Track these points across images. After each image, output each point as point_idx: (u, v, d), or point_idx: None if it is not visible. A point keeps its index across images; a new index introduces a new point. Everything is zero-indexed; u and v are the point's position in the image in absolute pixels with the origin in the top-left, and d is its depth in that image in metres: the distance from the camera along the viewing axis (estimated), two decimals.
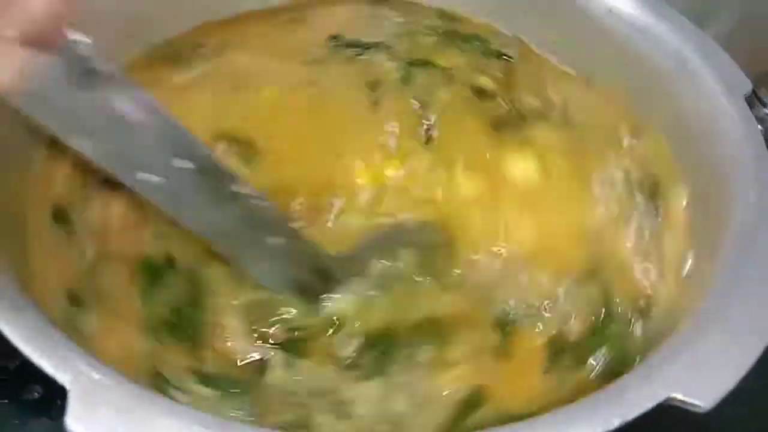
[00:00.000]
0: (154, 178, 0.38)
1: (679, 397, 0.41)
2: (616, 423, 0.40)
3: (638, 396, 0.41)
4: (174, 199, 0.40)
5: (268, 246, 0.46)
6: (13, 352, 0.40)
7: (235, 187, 0.42)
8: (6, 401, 0.59)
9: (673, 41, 0.65)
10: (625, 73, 0.69)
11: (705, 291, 0.51)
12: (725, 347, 0.44)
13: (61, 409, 0.36)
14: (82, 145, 0.37)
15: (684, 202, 0.62)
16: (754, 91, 0.63)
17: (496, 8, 0.74)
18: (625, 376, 0.43)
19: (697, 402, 0.41)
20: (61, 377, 0.38)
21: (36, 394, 0.59)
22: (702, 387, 0.42)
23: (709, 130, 0.60)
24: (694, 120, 0.62)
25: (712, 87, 0.62)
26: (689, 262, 0.58)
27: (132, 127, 0.37)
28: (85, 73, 0.34)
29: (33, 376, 0.39)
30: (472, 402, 0.48)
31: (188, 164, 0.38)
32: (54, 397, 0.57)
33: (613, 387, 0.42)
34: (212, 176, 0.40)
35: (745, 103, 0.60)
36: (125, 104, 0.36)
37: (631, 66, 0.68)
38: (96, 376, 0.38)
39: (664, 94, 0.66)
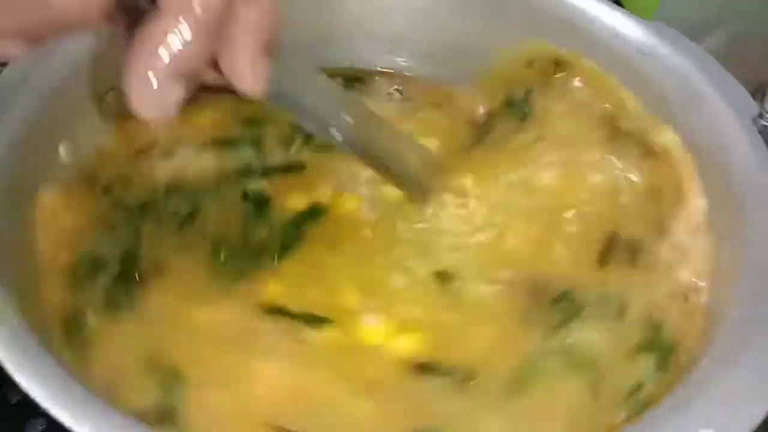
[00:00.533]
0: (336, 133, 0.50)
1: None
2: None
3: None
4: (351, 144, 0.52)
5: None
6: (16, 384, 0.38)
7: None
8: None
9: (680, 64, 0.65)
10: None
11: (724, 320, 0.50)
12: (753, 379, 0.43)
13: None
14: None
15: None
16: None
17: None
18: (655, 411, 0.43)
19: None
20: (79, 429, 0.37)
21: (40, 427, 0.57)
22: (733, 421, 0.41)
23: (721, 157, 0.60)
24: (705, 146, 0.62)
25: (722, 110, 0.61)
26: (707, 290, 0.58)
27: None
28: None
29: (36, 408, 0.38)
30: None
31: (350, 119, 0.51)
32: (58, 430, 0.57)
33: (643, 424, 0.42)
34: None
35: (754, 127, 0.60)
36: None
37: (637, 90, 0.68)
38: (117, 428, 0.37)
39: (671, 119, 0.65)
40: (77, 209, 0.55)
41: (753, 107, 0.61)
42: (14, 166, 0.54)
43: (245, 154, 0.61)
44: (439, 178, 0.59)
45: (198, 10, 0.35)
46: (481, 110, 0.71)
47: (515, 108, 0.69)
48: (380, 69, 0.75)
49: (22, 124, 0.56)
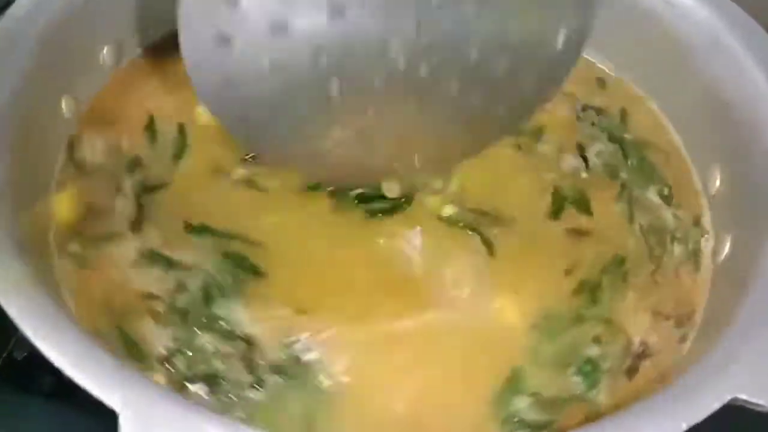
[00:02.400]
0: None
1: (744, 397, 0.41)
2: (684, 427, 0.39)
3: (704, 398, 0.40)
4: None
5: None
6: (22, 340, 0.37)
7: None
8: (20, 393, 0.57)
9: (706, 17, 0.63)
10: (654, 52, 0.67)
11: (747, 282, 0.50)
12: None
13: (77, 400, 0.34)
14: None
15: (717, 184, 0.61)
16: None
17: None
18: (686, 377, 0.42)
19: (762, 402, 0.41)
20: (110, 399, 0.35)
21: (50, 384, 0.57)
22: (765, 386, 0.41)
23: (748, 116, 0.58)
24: (730, 103, 0.60)
25: (750, 68, 0.59)
26: (727, 247, 0.58)
27: None
28: None
29: (46, 365, 0.37)
30: None
31: None
32: (68, 387, 0.57)
33: (676, 389, 0.41)
34: None
35: None
36: None
37: (661, 44, 0.66)
38: (147, 396, 0.36)
39: (696, 75, 0.63)
40: None
41: None
42: (20, 116, 0.52)
43: None
44: None
45: None
46: None
47: None
48: None
49: (22, 75, 0.54)
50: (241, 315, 0.51)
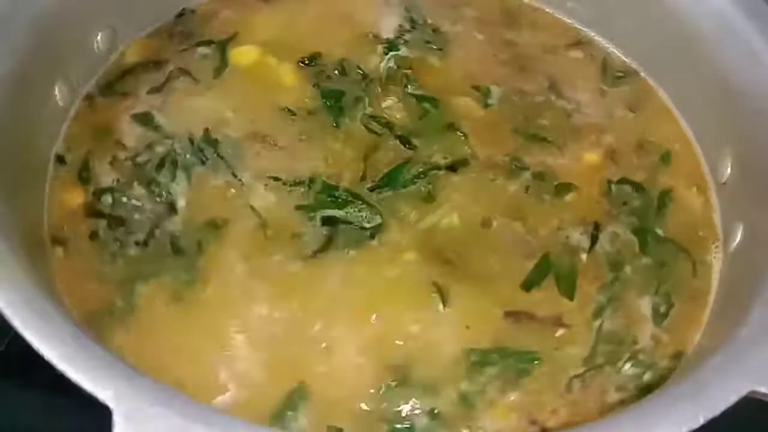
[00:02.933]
0: None
1: (763, 390, 0.39)
2: (702, 420, 0.38)
3: (721, 391, 0.39)
4: None
5: None
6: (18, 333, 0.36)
7: None
8: (19, 385, 0.56)
9: (718, 3, 0.61)
10: (664, 38, 0.65)
11: (760, 273, 0.48)
12: None
13: (76, 392, 0.33)
14: None
15: (728, 171, 0.60)
16: None
17: None
18: (702, 369, 0.41)
19: None
20: (102, 394, 0.34)
21: (50, 376, 0.54)
22: None
23: (761, 101, 0.57)
24: (742, 89, 0.58)
25: (762, 52, 0.58)
26: (739, 235, 0.56)
27: None
28: None
29: (41, 358, 0.35)
30: None
31: None
32: (65, 381, 0.55)
33: (692, 382, 0.40)
34: None
35: None
36: None
37: (671, 31, 0.64)
38: (140, 391, 0.34)
39: (708, 61, 0.62)
40: None
41: None
42: (12, 104, 0.51)
43: None
44: None
45: None
46: None
47: None
48: None
49: (14, 61, 0.52)
50: (178, 188, 0.57)
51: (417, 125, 0.62)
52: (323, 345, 0.50)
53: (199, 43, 0.66)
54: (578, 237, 0.57)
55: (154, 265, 0.53)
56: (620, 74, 0.69)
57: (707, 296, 0.55)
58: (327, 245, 0.54)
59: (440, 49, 0.68)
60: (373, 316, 0.51)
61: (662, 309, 0.55)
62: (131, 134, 0.60)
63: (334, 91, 0.63)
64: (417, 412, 0.48)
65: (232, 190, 0.57)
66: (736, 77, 0.59)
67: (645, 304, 0.55)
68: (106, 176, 0.57)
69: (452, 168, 0.60)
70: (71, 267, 0.52)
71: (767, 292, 0.45)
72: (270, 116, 0.61)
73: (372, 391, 0.49)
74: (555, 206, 0.59)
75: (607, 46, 0.70)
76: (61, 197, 0.56)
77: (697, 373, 0.41)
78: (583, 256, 0.56)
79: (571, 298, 0.54)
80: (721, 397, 0.39)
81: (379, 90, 0.64)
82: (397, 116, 0.63)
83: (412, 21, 0.70)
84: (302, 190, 0.57)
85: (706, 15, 0.62)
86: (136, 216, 0.55)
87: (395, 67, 0.66)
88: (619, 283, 0.55)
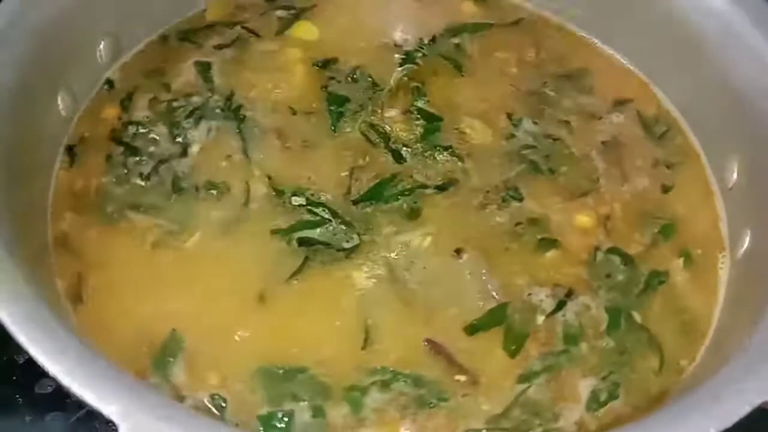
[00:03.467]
0: None
1: None
2: None
3: (733, 402, 0.38)
4: None
5: None
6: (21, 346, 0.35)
7: None
8: (18, 396, 0.56)
9: (718, 5, 0.60)
10: (665, 43, 0.65)
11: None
12: None
13: (74, 405, 0.32)
14: None
15: (734, 176, 0.59)
16: None
17: None
18: (713, 381, 0.40)
19: None
20: (107, 410, 0.33)
21: (49, 388, 0.56)
22: None
23: (764, 106, 0.56)
24: (746, 92, 0.58)
25: (765, 55, 0.57)
26: (747, 241, 0.56)
27: None
28: None
29: (44, 370, 0.35)
30: None
31: None
32: (66, 392, 0.55)
33: (703, 393, 0.39)
34: None
35: None
36: None
37: (672, 35, 0.64)
38: (146, 407, 0.34)
39: (710, 65, 0.61)
40: None
41: None
42: (15, 113, 0.51)
43: None
44: None
45: None
46: None
47: None
48: None
49: (16, 71, 0.52)
50: (197, 136, 0.61)
51: (414, 140, 0.62)
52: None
53: (279, 7, 0.70)
54: (543, 298, 0.54)
55: (150, 199, 0.57)
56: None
57: (664, 398, 0.50)
58: (302, 266, 0.53)
59: (459, 68, 0.68)
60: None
61: (602, 397, 0.50)
62: (180, 80, 0.65)
63: (340, 97, 0.64)
64: (302, 404, 0.48)
65: (238, 158, 0.59)
66: (741, 83, 0.59)
67: (585, 386, 0.51)
68: (141, 111, 0.62)
69: (441, 188, 0.59)
70: (74, 177, 0.57)
71: None
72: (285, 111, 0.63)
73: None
74: (532, 258, 0.56)
75: (612, 52, 0.70)
76: (100, 110, 0.61)
77: (709, 383, 0.40)
78: (540, 318, 0.53)
79: (512, 356, 0.51)
80: (732, 408, 0.38)
81: (385, 100, 0.64)
82: (396, 128, 0.63)
83: (434, 36, 0.70)
84: (284, 201, 0.57)
85: (709, 21, 0.61)
86: (151, 149, 0.60)
87: (406, 78, 0.65)
88: (566, 357, 0.52)
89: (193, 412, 0.36)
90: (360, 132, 0.62)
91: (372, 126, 0.62)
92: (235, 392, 0.48)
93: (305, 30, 0.69)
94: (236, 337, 0.50)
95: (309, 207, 0.57)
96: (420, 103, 0.64)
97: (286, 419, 0.47)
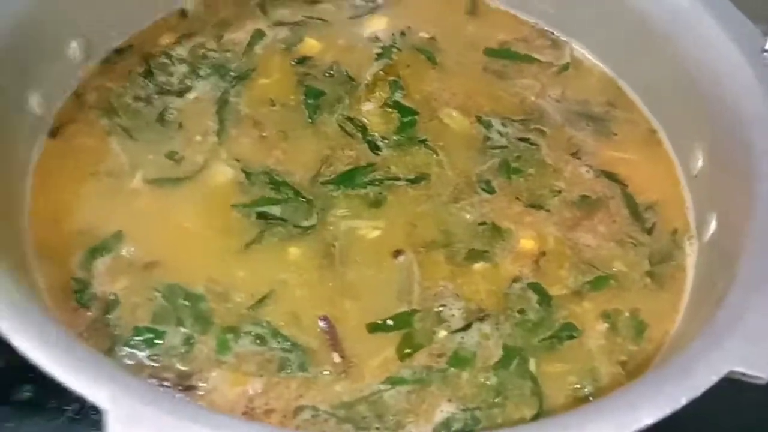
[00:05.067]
0: None
1: (742, 370, 0.40)
2: (683, 401, 0.39)
3: (702, 372, 0.40)
4: None
5: None
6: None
7: None
8: None
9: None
10: (626, 37, 0.67)
11: (734, 259, 0.50)
12: None
13: (55, 410, 0.33)
14: None
15: (699, 163, 0.61)
16: None
17: None
18: (682, 352, 0.42)
19: (759, 374, 0.40)
20: (95, 396, 0.34)
21: (28, 393, 0.55)
22: (762, 359, 0.41)
23: (726, 91, 0.58)
24: (706, 81, 0.60)
25: (722, 43, 0.59)
26: (713, 226, 0.58)
27: None
28: None
29: (22, 375, 0.35)
30: None
31: None
32: (46, 397, 0.55)
33: (673, 365, 0.41)
34: None
35: (761, 60, 0.58)
36: None
37: (632, 29, 0.66)
38: (135, 392, 0.34)
39: (670, 57, 0.63)
40: None
41: (761, 39, 0.58)
42: None
43: None
44: None
45: None
46: None
47: None
48: None
49: None
50: (198, 87, 0.65)
51: (390, 133, 0.63)
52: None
53: None
54: (455, 313, 0.53)
55: (134, 123, 0.61)
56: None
57: None
58: (259, 238, 0.55)
59: (433, 60, 0.69)
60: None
61: (453, 426, 0.49)
62: (231, 38, 0.69)
63: (316, 90, 0.65)
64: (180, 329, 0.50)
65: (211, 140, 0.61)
66: (699, 69, 0.61)
67: (444, 410, 0.49)
68: (181, 50, 0.67)
69: (413, 181, 0.60)
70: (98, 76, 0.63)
71: (741, 277, 0.47)
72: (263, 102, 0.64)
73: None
74: (459, 268, 0.55)
75: (577, 47, 0.72)
76: (160, 34, 0.68)
77: (679, 356, 0.42)
78: (442, 334, 0.52)
79: (401, 359, 0.51)
80: (702, 378, 0.40)
81: (363, 93, 0.65)
82: (373, 121, 0.64)
83: (407, 28, 0.71)
84: (248, 182, 0.58)
85: (667, 12, 0.64)
86: (162, 79, 0.65)
87: (383, 72, 0.66)
88: (441, 377, 0.51)
89: (181, 398, 0.36)
90: (337, 124, 0.63)
91: (349, 119, 0.63)
92: (132, 301, 0.51)
93: (311, 46, 0.69)
94: (159, 258, 0.53)
95: (271, 185, 0.58)
96: (397, 96, 0.65)
97: (151, 336, 0.49)
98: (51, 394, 0.55)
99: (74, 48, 0.62)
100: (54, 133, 0.60)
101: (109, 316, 0.50)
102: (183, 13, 0.71)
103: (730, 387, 0.40)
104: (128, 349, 0.49)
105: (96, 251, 0.53)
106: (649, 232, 0.60)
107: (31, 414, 0.55)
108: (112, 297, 0.51)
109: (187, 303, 0.51)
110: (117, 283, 0.52)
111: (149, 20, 0.69)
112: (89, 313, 0.50)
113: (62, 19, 0.60)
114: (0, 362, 0.55)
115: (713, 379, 0.40)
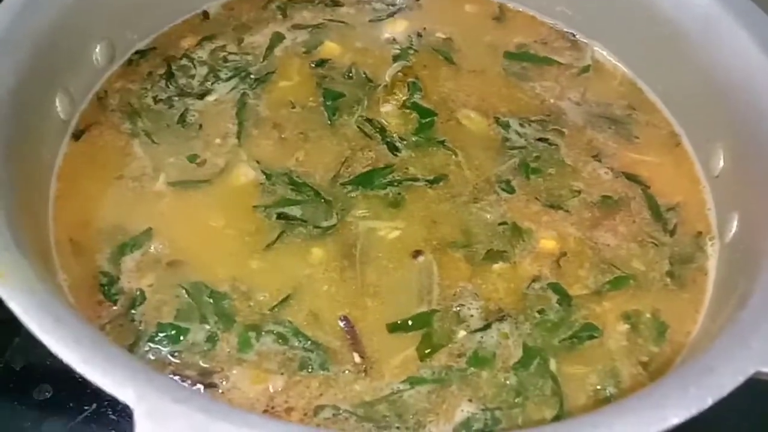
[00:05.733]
0: None
1: (767, 370, 0.40)
2: (710, 402, 0.38)
3: (727, 373, 0.40)
4: None
5: None
6: (19, 349, 0.36)
7: None
8: (16, 403, 0.56)
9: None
10: (647, 37, 0.66)
11: (757, 259, 0.49)
12: None
13: (73, 410, 0.33)
14: None
15: (721, 164, 0.61)
16: None
17: None
18: (708, 353, 0.42)
19: None
20: (123, 394, 0.34)
21: (47, 394, 0.56)
22: None
23: (748, 91, 0.58)
24: (729, 81, 0.60)
25: (745, 44, 0.59)
26: (734, 225, 0.57)
27: None
28: None
29: (42, 375, 0.36)
30: None
31: None
32: (65, 397, 0.56)
33: (699, 365, 0.41)
34: None
35: None
36: None
37: (653, 29, 0.65)
38: (160, 390, 0.34)
39: (692, 57, 0.63)
40: None
41: None
42: (15, 117, 0.52)
43: None
44: None
45: None
46: None
47: None
48: None
49: (15, 73, 0.53)
50: (219, 89, 0.66)
51: (409, 134, 0.63)
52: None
53: None
54: (473, 313, 0.53)
55: (155, 126, 0.61)
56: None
57: None
58: (280, 239, 0.56)
59: (450, 60, 0.69)
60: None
61: (474, 426, 0.49)
62: (251, 41, 0.70)
63: (335, 92, 0.65)
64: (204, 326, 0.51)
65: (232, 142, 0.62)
66: (722, 69, 0.61)
67: (464, 410, 0.49)
68: (202, 52, 0.68)
69: (432, 182, 0.60)
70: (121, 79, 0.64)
71: (765, 276, 0.46)
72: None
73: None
74: (478, 268, 0.55)
75: (597, 49, 0.72)
76: (182, 36, 0.69)
77: (703, 356, 0.41)
78: (461, 334, 0.52)
79: (422, 359, 0.50)
80: (727, 379, 0.39)
81: (382, 95, 0.65)
82: (392, 122, 0.64)
83: (423, 29, 0.72)
84: (269, 183, 0.59)
85: (695, 17, 0.63)
86: (182, 81, 0.65)
87: (401, 74, 0.67)
88: (461, 376, 0.50)
89: (208, 396, 0.36)
90: (356, 126, 0.63)
91: (368, 120, 0.64)
92: (157, 298, 0.52)
93: (331, 49, 0.70)
94: (184, 257, 0.54)
95: (292, 186, 0.58)
96: (416, 98, 0.66)
97: (174, 332, 0.50)
98: (69, 395, 0.55)
99: (98, 51, 0.63)
100: (78, 135, 0.61)
101: (134, 312, 0.51)
102: (205, 16, 0.72)
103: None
104: (152, 345, 0.50)
105: (126, 247, 0.55)
106: (672, 233, 0.59)
107: (49, 414, 0.56)
108: (138, 293, 0.52)
109: (211, 301, 0.52)
110: (144, 280, 0.53)
111: (172, 22, 0.70)
112: (114, 308, 0.51)
113: (88, 24, 0.61)
114: (19, 363, 0.57)
115: (739, 379, 0.39)
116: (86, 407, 0.56)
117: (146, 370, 0.36)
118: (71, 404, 0.55)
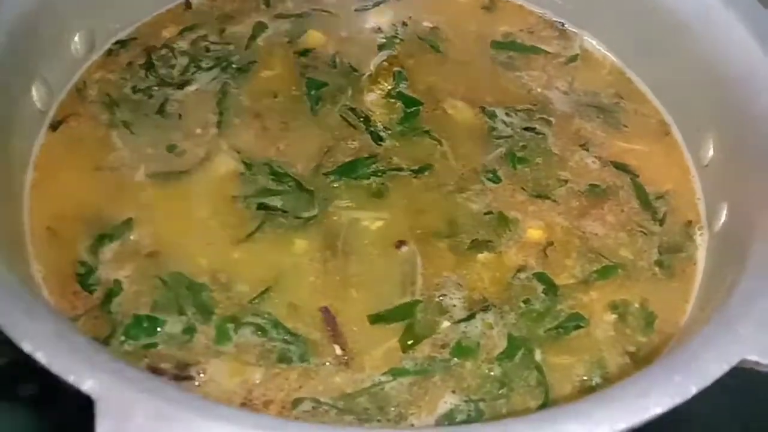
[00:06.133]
0: None
1: (754, 359, 0.39)
2: (694, 390, 0.37)
3: (712, 361, 0.39)
4: None
5: None
6: (2, 347, 0.35)
7: None
8: (1, 400, 0.56)
9: None
10: (641, 26, 0.65)
11: (746, 248, 0.48)
12: None
13: (58, 407, 0.33)
14: None
15: (710, 153, 0.60)
16: None
17: None
18: (693, 341, 0.41)
19: None
20: (84, 385, 0.33)
21: (31, 391, 0.56)
22: None
23: (742, 82, 0.57)
24: (723, 72, 0.59)
25: (744, 40, 0.58)
26: (724, 215, 0.56)
27: None
28: None
29: (26, 372, 0.35)
30: None
31: None
32: (50, 394, 0.55)
33: (683, 353, 0.40)
34: None
35: None
36: None
37: (648, 18, 0.64)
38: (124, 380, 0.33)
39: (687, 47, 0.62)
40: None
41: None
42: None
43: None
44: None
45: None
46: None
47: None
48: None
49: None
50: (200, 79, 0.64)
51: (393, 124, 0.62)
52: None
53: None
54: (455, 303, 0.52)
55: (134, 116, 0.60)
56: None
57: None
58: (260, 229, 0.55)
59: (437, 49, 0.68)
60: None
61: (457, 418, 0.48)
62: (233, 31, 0.68)
63: (319, 82, 0.64)
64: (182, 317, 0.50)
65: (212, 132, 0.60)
66: (716, 61, 0.59)
67: (447, 401, 0.48)
68: (183, 42, 0.67)
69: (416, 172, 0.59)
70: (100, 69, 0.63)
71: (753, 265, 0.45)
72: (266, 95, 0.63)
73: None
74: (462, 258, 0.54)
75: (587, 39, 0.71)
76: (163, 26, 0.67)
77: (689, 345, 0.40)
78: (445, 325, 0.51)
79: (404, 350, 0.49)
80: (712, 367, 0.38)
81: (366, 84, 0.64)
82: (377, 112, 0.63)
83: (409, 18, 0.71)
84: (249, 173, 0.58)
85: (687, 7, 0.62)
86: (162, 71, 0.64)
87: (386, 63, 0.66)
88: (445, 370, 0.49)
89: (172, 385, 0.35)
90: (340, 115, 0.62)
91: (352, 109, 0.63)
92: (135, 289, 0.51)
93: (315, 38, 0.69)
94: (163, 248, 0.53)
95: (273, 176, 0.57)
96: (402, 87, 0.65)
97: (150, 324, 0.49)
98: (55, 391, 0.54)
99: (77, 41, 0.62)
100: (55, 126, 0.59)
101: (110, 303, 0.50)
102: (188, 5, 0.70)
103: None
104: (127, 337, 0.48)
105: (105, 237, 0.53)
106: (661, 222, 0.58)
107: (34, 410, 0.55)
108: (115, 283, 0.51)
109: (189, 292, 0.51)
110: (122, 271, 0.52)
111: (153, 12, 0.69)
112: (90, 299, 0.50)
113: (66, 12, 0.60)
114: (3, 359, 0.55)
115: (725, 367, 0.38)
116: (72, 404, 0.55)
117: (108, 361, 0.35)
118: (57, 401, 0.55)
